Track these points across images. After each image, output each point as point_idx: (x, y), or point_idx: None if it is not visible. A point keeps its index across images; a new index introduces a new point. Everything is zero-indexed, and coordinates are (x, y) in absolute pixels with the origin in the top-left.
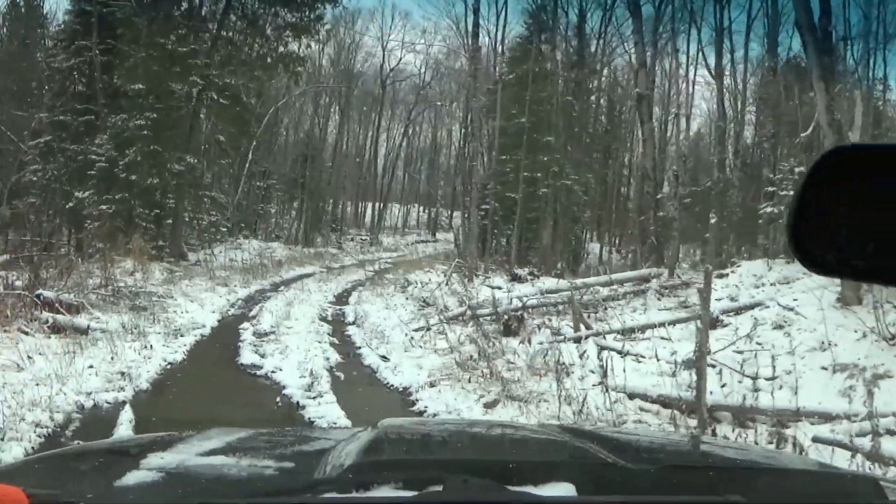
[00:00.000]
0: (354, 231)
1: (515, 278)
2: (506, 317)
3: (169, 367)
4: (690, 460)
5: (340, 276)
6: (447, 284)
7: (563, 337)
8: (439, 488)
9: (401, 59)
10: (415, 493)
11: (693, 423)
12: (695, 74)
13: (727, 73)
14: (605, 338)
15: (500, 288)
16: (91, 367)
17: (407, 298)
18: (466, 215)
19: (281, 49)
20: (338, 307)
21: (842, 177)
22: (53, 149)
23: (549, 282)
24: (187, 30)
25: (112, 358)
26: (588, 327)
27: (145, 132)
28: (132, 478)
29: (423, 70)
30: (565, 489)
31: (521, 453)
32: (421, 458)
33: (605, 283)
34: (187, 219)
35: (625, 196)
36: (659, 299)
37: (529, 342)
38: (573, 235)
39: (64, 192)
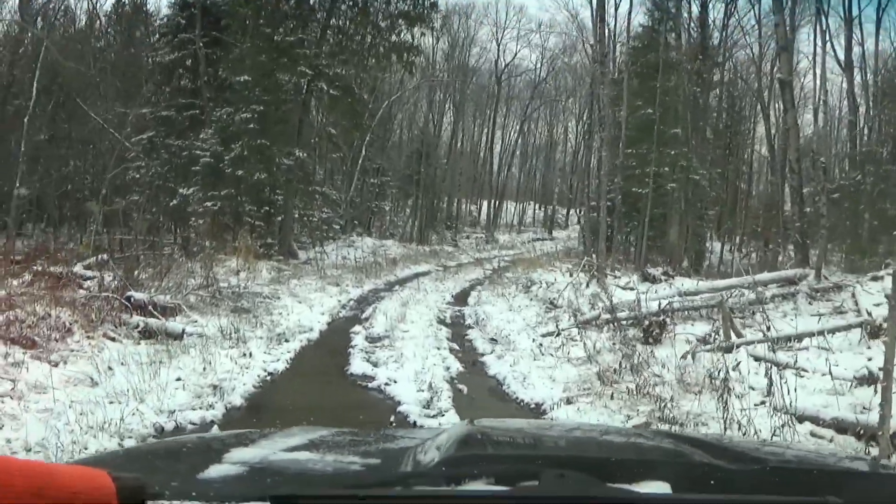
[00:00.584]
0: (469, 229)
1: (648, 278)
2: (646, 322)
3: (268, 378)
4: (788, 463)
5: (458, 274)
6: (576, 285)
7: (711, 346)
8: (535, 483)
9: (516, 53)
10: (509, 487)
11: (875, 451)
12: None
13: (856, 64)
14: (755, 346)
15: (632, 289)
16: (179, 379)
17: (531, 299)
18: (593, 212)
19: (394, 38)
20: (456, 308)
21: None
22: (157, 145)
23: (684, 282)
24: (295, 19)
25: (204, 368)
26: (739, 335)
27: (252, 126)
28: (215, 471)
29: (538, 65)
30: (661, 487)
31: (618, 452)
32: (514, 453)
33: (749, 284)
34: (297, 216)
35: (745, 193)
36: (810, 303)
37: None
38: (697, 234)
39: (168, 188)
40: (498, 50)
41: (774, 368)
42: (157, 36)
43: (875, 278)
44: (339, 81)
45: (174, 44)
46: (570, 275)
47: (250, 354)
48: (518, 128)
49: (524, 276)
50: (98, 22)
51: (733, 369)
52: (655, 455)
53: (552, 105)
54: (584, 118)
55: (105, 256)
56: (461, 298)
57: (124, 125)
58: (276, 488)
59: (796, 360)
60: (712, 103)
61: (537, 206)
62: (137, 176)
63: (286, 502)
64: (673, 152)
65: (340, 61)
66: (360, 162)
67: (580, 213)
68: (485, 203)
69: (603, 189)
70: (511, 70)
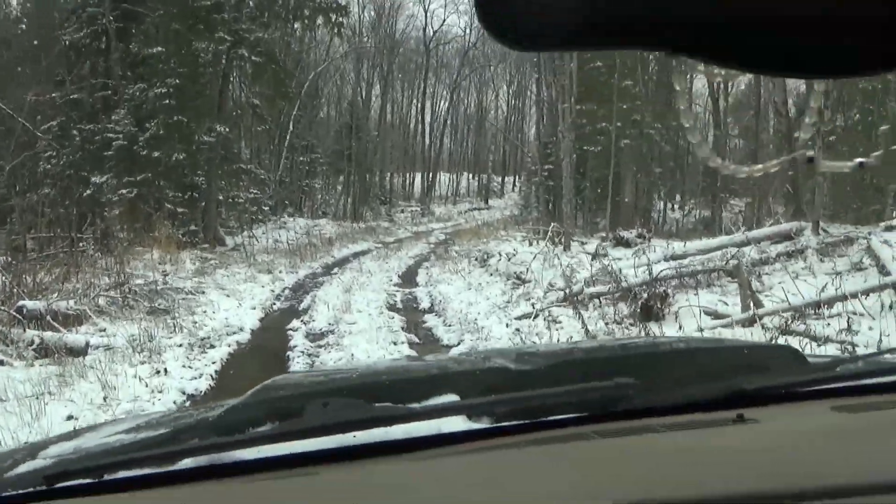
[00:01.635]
0: (404, 203)
1: (621, 242)
2: (644, 296)
3: (187, 403)
4: (580, 355)
5: (400, 251)
6: (545, 254)
7: (726, 320)
8: (299, 417)
9: (444, 20)
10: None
11: None
12: None
13: None
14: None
15: (605, 255)
16: (70, 417)
17: (491, 274)
18: (536, 176)
19: None
20: (407, 291)
21: None
22: (68, 131)
23: (666, 245)
24: None
25: (105, 397)
26: (758, 304)
27: (167, 101)
28: (24, 467)
29: (468, 31)
30: (448, 399)
31: (404, 374)
32: (285, 395)
33: (741, 242)
34: (222, 198)
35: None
36: (822, 261)
37: (682, 328)
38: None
39: (81, 178)
40: (426, 17)
41: (812, 344)
42: (65, 15)
43: (890, 228)
44: (261, 47)
45: (82, 19)
46: (530, 243)
47: (165, 371)
48: (448, 97)
49: (477, 249)
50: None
51: None
52: (443, 370)
53: (481, 72)
54: (516, 83)
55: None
56: (409, 278)
57: (35, 112)
58: (51, 468)
59: (839, 332)
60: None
61: (471, 176)
62: (48, 167)
63: (58, 479)
64: (624, 106)
65: (262, 25)
66: (287, 138)
67: (520, 179)
68: (418, 176)
69: (567, 145)
70: (440, 38)
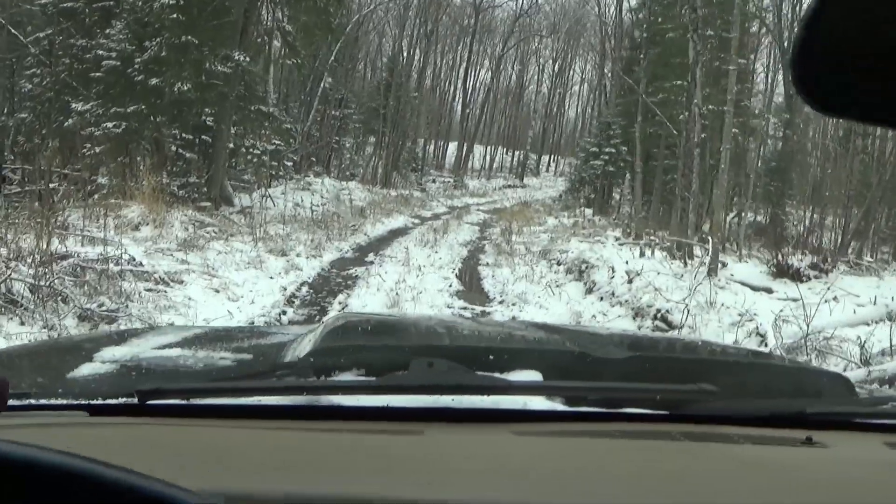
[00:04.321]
0: (436, 172)
1: (786, 271)
2: None
3: None
4: (661, 352)
5: (445, 234)
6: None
7: None
8: (404, 372)
9: None
10: (377, 377)
11: None
12: None
13: None
14: None
15: (769, 291)
16: None
17: (601, 298)
18: (604, 157)
19: None
20: (479, 309)
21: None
22: (58, 47)
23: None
24: None
25: None
26: None
27: (175, 15)
28: (86, 369)
29: None
30: (532, 375)
31: (489, 342)
32: (385, 343)
33: None
34: (233, 146)
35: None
36: None
37: None
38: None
39: (63, 104)
40: None
41: None
42: None
43: None
44: None
45: None
46: (642, 252)
47: None
48: (493, 66)
49: (555, 248)
50: None
51: None
52: (528, 345)
53: (525, 45)
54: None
55: None
56: (474, 283)
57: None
58: (143, 383)
59: None
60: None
61: (504, 151)
62: (30, 87)
63: (152, 396)
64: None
65: None
66: (322, 85)
67: (555, 160)
68: (451, 145)
69: (728, 121)
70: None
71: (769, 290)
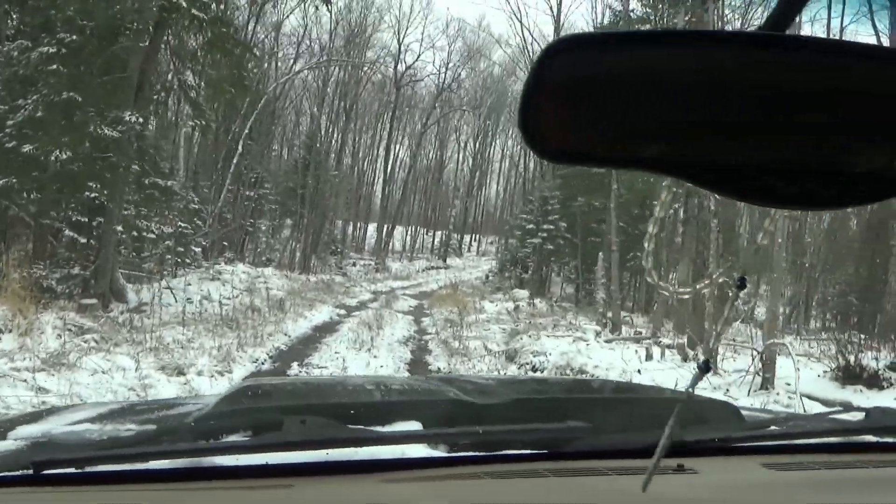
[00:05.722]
0: (356, 255)
1: (856, 375)
2: None
3: None
4: (536, 393)
5: (378, 328)
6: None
7: None
8: (278, 431)
9: (419, 55)
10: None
11: None
12: None
13: None
14: None
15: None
16: None
17: None
18: (542, 234)
19: None
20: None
21: (581, 58)
22: None
23: None
24: None
25: None
26: None
27: (55, 66)
28: None
29: (444, 71)
30: (411, 426)
31: (371, 397)
32: (271, 405)
33: None
34: (133, 230)
35: None
36: None
37: None
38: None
39: None
40: (399, 48)
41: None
42: None
43: None
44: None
45: None
46: (649, 354)
47: None
48: (415, 143)
49: (521, 346)
50: None
51: None
52: (411, 396)
53: (444, 122)
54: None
55: None
56: None
57: None
58: (39, 455)
59: None
60: None
61: (426, 232)
62: None
63: (46, 466)
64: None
65: None
66: (234, 159)
67: (476, 239)
68: (370, 227)
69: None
70: (412, 74)
71: (848, 407)
